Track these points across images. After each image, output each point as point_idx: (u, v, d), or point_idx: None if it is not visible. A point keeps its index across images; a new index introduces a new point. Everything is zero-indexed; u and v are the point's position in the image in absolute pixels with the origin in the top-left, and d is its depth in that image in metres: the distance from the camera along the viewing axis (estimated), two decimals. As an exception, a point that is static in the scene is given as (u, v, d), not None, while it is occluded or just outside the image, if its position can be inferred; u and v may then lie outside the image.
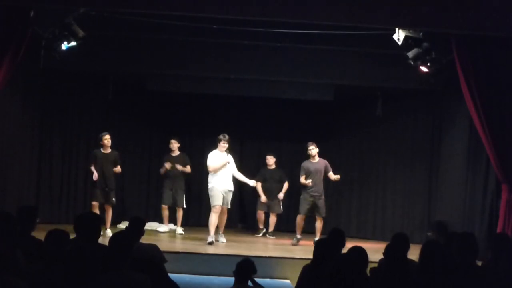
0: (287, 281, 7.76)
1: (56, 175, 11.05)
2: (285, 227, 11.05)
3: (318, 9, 7.06)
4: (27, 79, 9.70)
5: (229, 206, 9.53)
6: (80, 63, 9.35)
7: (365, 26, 7.94)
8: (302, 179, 9.84)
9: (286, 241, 10.05)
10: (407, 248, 5.05)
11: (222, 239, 9.51)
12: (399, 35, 8.25)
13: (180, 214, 10.54)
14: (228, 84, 10.19)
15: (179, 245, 9.32)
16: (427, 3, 7.09)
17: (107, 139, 9.74)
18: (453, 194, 9.75)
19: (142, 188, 11.84)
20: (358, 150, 11.74)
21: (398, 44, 8.37)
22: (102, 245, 4.57)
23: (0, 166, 9.16)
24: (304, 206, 9.80)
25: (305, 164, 9.95)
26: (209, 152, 9.59)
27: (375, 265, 5.03)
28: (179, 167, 10.47)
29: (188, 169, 10.62)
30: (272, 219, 10.90)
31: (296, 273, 5.02)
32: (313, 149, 9.88)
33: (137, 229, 5.44)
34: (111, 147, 9.83)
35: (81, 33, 8.36)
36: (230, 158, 9.48)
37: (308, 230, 10.58)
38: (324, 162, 9.95)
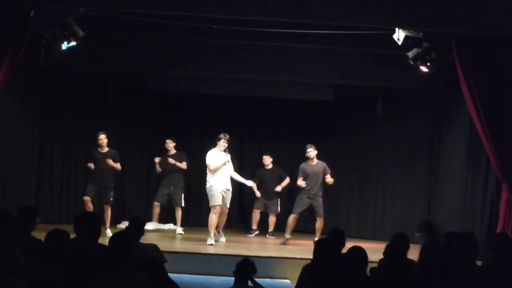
0: (287, 281, 7.76)
1: (56, 175, 11.05)
2: (284, 227, 11.02)
3: (318, 9, 7.06)
4: (27, 79, 9.70)
5: (228, 206, 9.49)
6: (80, 63, 9.35)
7: (365, 26, 7.94)
8: (299, 181, 9.83)
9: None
10: (407, 248, 5.05)
11: (222, 238, 9.51)
12: (399, 35, 8.25)
13: (179, 213, 10.52)
14: (228, 84, 10.18)
15: (179, 245, 9.31)
16: (427, 3, 7.09)
17: (101, 139, 9.75)
18: (453, 194, 9.74)
19: (142, 188, 11.83)
20: (358, 150, 11.74)
21: (398, 44, 8.37)
22: (102, 245, 4.56)
23: (0, 166, 9.16)
24: (299, 207, 9.79)
25: (303, 166, 9.94)
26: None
27: (375, 265, 5.03)
28: (171, 160, 10.44)
29: (183, 165, 10.56)
30: (272, 219, 10.90)
31: (296, 273, 5.02)
32: (312, 152, 9.86)
33: (137, 229, 5.44)
34: (108, 146, 9.81)
35: (81, 33, 8.36)
36: (228, 157, 9.45)
37: (308, 230, 10.60)
38: (322, 165, 9.92)
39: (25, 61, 8.14)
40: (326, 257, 4.63)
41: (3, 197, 9.09)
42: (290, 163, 11.50)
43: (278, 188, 10.86)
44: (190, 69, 9.77)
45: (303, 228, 11.37)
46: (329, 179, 9.84)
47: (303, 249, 9.00)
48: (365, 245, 4.77)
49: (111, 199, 9.73)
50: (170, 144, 10.67)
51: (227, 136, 9.37)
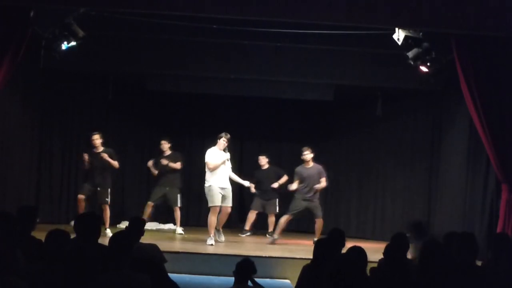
0: (287, 281, 7.76)
1: (56, 175, 11.05)
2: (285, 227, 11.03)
3: (318, 9, 7.05)
4: (27, 79, 9.70)
5: (230, 205, 9.38)
6: (80, 63, 9.36)
7: (365, 26, 7.94)
8: (293, 185, 9.81)
9: (286, 241, 10.05)
10: (407, 248, 5.05)
11: (221, 237, 9.45)
12: (399, 35, 8.25)
13: (177, 213, 10.50)
14: (228, 84, 10.18)
15: (179, 245, 9.31)
16: (427, 3, 7.09)
17: (94, 139, 9.74)
18: (453, 194, 9.74)
19: (142, 188, 11.83)
20: (358, 150, 11.75)
21: (398, 44, 8.37)
22: (102, 245, 4.56)
23: (0, 166, 9.16)
24: (293, 208, 9.75)
25: (299, 169, 9.91)
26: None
27: (375, 265, 5.03)
28: (164, 161, 10.42)
29: (177, 165, 10.51)
30: (271, 220, 10.88)
31: (296, 273, 5.02)
32: (308, 154, 9.83)
33: (137, 229, 5.44)
34: (103, 145, 9.80)
35: (81, 33, 8.37)
36: (228, 155, 9.40)
37: (308, 230, 10.60)
38: (317, 168, 9.86)
39: (25, 61, 8.14)
40: (326, 257, 4.63)
41: (3, 197, 9.09)
42: (290, 163, 11.48)
43: (275, 185, 10.78)
44: (190, 69, 9.78)
45: (303, 228, 11.39)
46: (319, 185, 9.70)
47: (303, 249, 9.00)
48: (364, 245, 4.77)
49: (107, 199, 9.70)
50: (165, 145, 10.65)
51: (228, 136, 9.34)
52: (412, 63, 8.67)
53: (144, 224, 5.72)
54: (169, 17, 8.42)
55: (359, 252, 4.33)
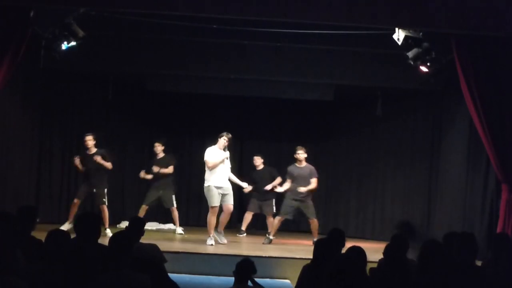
0: (287, 281, 7.76)
1: (56, 175, 11.06)
2: (284, 227, 11.02)
3: (318, 9, 7.05)
4: (27, 79, 9.70)
5: (231, 203, 9.29)
6: (80, 63, 9.36)
7: (365, 26, 7.93)
8: (286, 185, 9.80)
9: (286, 241, 10.06)
10: (406, 248, 5.05)
11: (223, 239, 9.33)
12: (399, 35, 8.25)
13: (175, 214, 10.50)
14: (228, 84, 10.18)
15: (179, 245, 9.31)
16: (427, 3, 7.09)
17: (86, 140, 9.74)
18: (453, 194, 9.74)
19: (142, 188, 11.76)
20: (358, 150, 11.75)
21: (398, 44, 8.37)
22: (102, 245, 4.56)
23: (0, 166, 9.16)
24: (285, 209, 9.74)
25: (290, 168, 9.89)
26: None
27: (375, 265, 5.03)
28: (155, 168, 10.42)
29: (168, 170, 10.48)
30: (269, 220, 10.86)
31: (296, 273, 5.02)
32: (301, 154, 9.81)
33: (137, 229, 5.44)
34: (96, 146, 9.78)
35: (81, 33, 8.37)
36: (227, 154, 9.34)
37: (309, 230, 10.57)
38: (309, 168, 9.81)
39: (25, 61, 8.15)
40: (326, 257, 4.63)
41: (3, 197, 9.09)
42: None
43: (268, 187, 10.69)
44: (190, 69, 9.78)
45: (304, 228, 11.37)
46: (307, 186, 9.62)
47: (303, 249, 9.00)
48: (364, 245, 4.78)
49: (104, 199, 9.67)
50: (159, 148, 10.64)
51: (230, 135, 9.28)
52: (412, 63, 8.67)
53: (144, 224, 5.72)
54: (169, 17, 8.42)
55: (358, 252, 4.34)
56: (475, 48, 7.58)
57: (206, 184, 9.23)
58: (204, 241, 9.16)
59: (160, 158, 10.62)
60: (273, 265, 8.03)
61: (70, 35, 8.30)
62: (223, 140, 9.25)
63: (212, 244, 9.04)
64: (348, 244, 4.88)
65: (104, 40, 9.29)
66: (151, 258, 4.72)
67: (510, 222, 7.61)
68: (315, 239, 9.54)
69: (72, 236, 4.54)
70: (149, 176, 10.56)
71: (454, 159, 9.87)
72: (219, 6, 7.07)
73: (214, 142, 9.48)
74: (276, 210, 10.73)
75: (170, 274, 4.94)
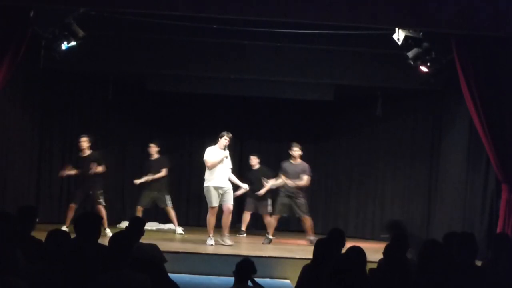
0: (287, 281, 7.76)
1: (56, 175, 11.03)
2: (284, 227, 11.04)
3: (318, 9, 7.06)
4: (27, 79, 9.71)
5: (230, 203, 9.18)
6: (80, 63, 9.36)
7: (365, 26, 7.94)
8: (281, 179, 9.79)
9: (286, 241, 10.06)
10: (406, 248, 5.05)
11: (228, 241, 9.17)
12: (399, 35, 8.25)
13: (171, 213, 10.50)
14: (228, 84, 10.18)
15: (179, 245, 9.30)
16: (428, 3, 7.09)
17: (80, 141, 9.74)
18: (453, 194, 9.74)
19: (142, 188, 11.81)
20: (358, 150, 11.74)
21: (398, 44, 8.37)
22: (102, 245, 4.57)
23: (0, 166, 9.16)
24: (278, 207, 9.75)
25: (284, 164, 9.88)
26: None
27: (375, 265, 5.03)
28: (148, 178, 10.41)
29: (162, 173, 10.47)
30: (267, 220, 10.85)
31: (296, 273, 5.02)
32: (296, 151, 9.79)
33: (137, 229, 5.44)
34: (90, 148, 9.78)
35: (81, 33, 8.37)
36: (227, 153, 9.28)
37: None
38: (302, 165, 9.80)
39: (25, 61, 8.15)
40: (326, 257, 4.63)
41: (3, 197, 9.09)
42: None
43: (262, 192, 10.57)
44: (190, 69, 9.78)
45: (304, 228, 11.37)
46: (297, 181, 9.60)
47: (303, 249, 9.00)
48: (364, 245, 4.77)
49: (101, 199, 9.66)
50: (153, 149, 10.64)
51: (230, 135, 9.20)
52: (412, 63, 8.68)
53: (144, 224, 5.71)
54: (169, 17, 8.42)
55: (358, 252, 4.33)
56: (475, 48, 7.58)
57: (205, 184, 9.20)
58: (204, 241, 9.15)
59: (154, 160, 10.63)
60: (273, 265, 8.03)
61: (70, 35, 8.30)
62: (224, 140, 9.19)
63: (212, 244, 9.03)
64: (348, 244, 4.87)
65: (104, 40, 9.29)
66: (151, 258, 4.72)
67: (510, 222, 7.61)
68: (310, 238, 9.61)
69: (72, 236, 4.54)
70: (143, 179, 10.54)
71: (454, 159, 9.87)
72: (219, 6, 7.07)
73: (214, 142, 9.46)
74: (272, 210, 10.72)
75: (170, 274, 4.94)
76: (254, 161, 11.00)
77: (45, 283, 3.88)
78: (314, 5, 7.05)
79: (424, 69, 8.72)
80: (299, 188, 9.71)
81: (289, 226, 11.04)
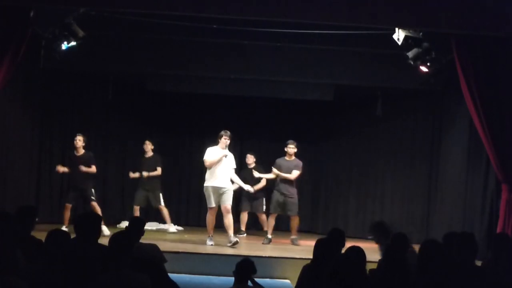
0: (287, 281, 7.76)
1: (56, 175, 11.03)
2: (284, 227, 11.02)
3: (318, 9, 7.06)
4: (27, 79, 9.70)
5: (227, 204, 9.03)
6: (80, 63, 9.36)
7: (365, 26, 7.94)
8: (271, 174, 9.80)
9: (286, 241, 10.04)
10: (406, 248, 5.05)
11: (234, 239, 8.98)
12: (399, 35, 8.26)
13: (164, 212, 10.52)
14: (228, 84, 10.18)
15: (179, 245, 9.30)
16: (427, 3, 7.09)
17: (76, 140, 9.73)
18: (453, 194, 9.75)
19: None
20: (358, 150, 11.73)
21: (398, 44, 8.37)
22: (102, 245, 4.57)
23: (0, 166, 9.16)
24: (273, 205, 9.75)
25: (278, 160, 9.86)
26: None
27: (375, 265, 5.03)
28: (145, 174, 10.45)
29: (157, 172, 10.52)
30: (262, 219, 10.86)
31: (296, 273, 5.02)
32: (291, 149, 9.75)
33: (137, 229, 5.44)
34: (85, 148, 9.79)
35: (81, 33, 8.38)
36: (229, 154, 9.23)
37: (310, 231, 10.60)
38: (296, 162, 9.77)
39: (25, 61, 8.15)
40: (326, 257, 4.63)
41: (3, 197, 9.09)
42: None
43: (257, 186, 10.51)
44: (190, 69, 9.78)
45: (304, 228, 11.38)
46: (285, 173, 9.61)
47: (303, 249, 9.00)
48: (364, 245, 4.77)
49: (93, 197, 9.69)
50: (148, 146, 10.66)
51: (228, 133, 9.14)
52: (412, 63, 8.68)
53: (144, 224, 5.71)
54: (169, 17, 8.42)
55: (358, 252, 4.33)
56: (475, 48, 7.58)
57: (204, 184, 9.19)
58: (204, 241, 9.15)
59: (148, 157, 10.67)
60: (273, 265, 8.03)
61: (70, 35, 8.31)
62: (224, 140, 9.13)
63: (212, 244, 9.03)
64: (348, 244, 4.87)
65: (104, 40, 9.30)
66: (151, 258, 4.72)
67: (510, 222, 7.61)
68: (293, 237, 9.65)
69: (72, 236, 4.54)
70: (137, 175, 10.60)
71: (454, 159, 9.88)
72: (219, 6, 7.08)
73: (214, 142, 9.44)
74: (266, 209, 10.70)
75: (170, 274, 4.94)
76: (251, 160, 10.98)
77: (45, 283, 3.88)
78: (314, 5, 7.05)
79: (424, 69, 8.72)
80: (292, 185, 9.70)
81: (289, 226, 11.02)
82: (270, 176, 9.97)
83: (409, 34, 8.22)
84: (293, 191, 9.72)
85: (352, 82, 9.93)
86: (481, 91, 7.59)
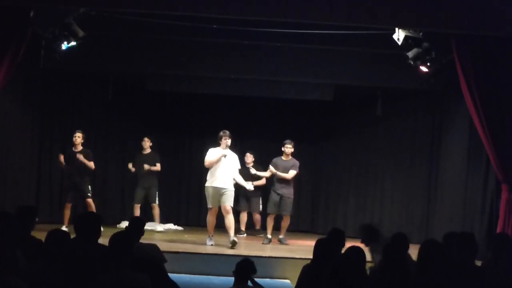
0: (287, 281, 7.76)
1: (56, 175, 11.05)
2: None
3: (318, 9, 7.06)
4: (27, 79, 9.70)
5: (227, 204, 8.94)
6: (80, 63, 9.37)
7: (365, 26, 7.94)
8: (269, 170, 9.80)
9: (286, 241, 10.04)
10: (406, 248, 5.05)
11: (234, 239, 8.93)
12: (399, 35, 8.25)
13: (156, 211, 10.62)
14: (228, 84, 10.18)
15: (179, 245, 9.30)
16: (427, 3, 7.09)
17: (75, 137, 9.79)
18: (453, 194, 9.75)
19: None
20: (358, 150, 11.74)
21: (398, 44, 8.37)
22: (102, 245, 4.57)
23: (0, 166, 9.16)
24: (270, 205, 9.77)
25: (275, 160, 9.88)
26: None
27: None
28: (146, 166, 10.50)
29: (157, 167, 10.61)
30: (256, 218, 10.86)
31: (296, 273, 5.02)
32: (288, 148, 9.77)
33: (137, 229, 5.44)
34: (83, 145, 9.83)
35: (81, 33, 8.37)
36: (232, 154, 9.20)
37: (310, 230, 10.60)
38: (293, 162, 9.78)
39: (25, 61, 8.15)
40: (326, 257, 4.63)
41: (3, 197, 9.09)
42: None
43: (257, 182, 10.48)
44: (190, 69, 9.77)
45: (304, 228, 11.38)
46: (281, 173, 9.63)
47: (303, 249, 9.00)
48: (364, 245, 4.78)
49: (89, 193, 9.76)
50: (147, 143, 10.71)
51: (227, 132, 9.10)
52: (412, 63, 8.68)
53: (144, 224, 5.72)
54: (169, 17, 8.42)
55: (357, 252, 4.33)
56: (475, 48, 7.58)
57: (205, 185, 9.19)
58: (204, 241, 9.15)
59: (147, 154, 10.72)
60: (273, 265, 8.03)
61: (70, 35, 8.31)
62: (224, 141, 9.09)
63: (212, 244, 9.02)
64: (348, 244, 4.87)
65: (104, 40, 9.29)
66: (151, 258, 4.73)
67: (510, 222, 7.61)
68: (280, 237, 9.68)
69: (72, 236, 4.54)
70: (133, 169, 10.67)
71: (454, 159, 9.88)
72: (219, 6, 7.08)
73: (214, 142, 9.42)
74: (262, 208, 10.70)
75: (170, 274, 4.95)
76: (250, 159, 10.96)
77: (45, 283, 3.88)
78: (314, 5, 7.05)
79: (424, 69, 8.72)
80: (289, 185, 9.70)
81: (289, 226, 11.02)
82: (267, 174, 9.98)
83: (409, 34, 8.22)
84: (289, 191, 9.73)
85: (352, 82, 9.94)
86: (481, 91, 7.59)
